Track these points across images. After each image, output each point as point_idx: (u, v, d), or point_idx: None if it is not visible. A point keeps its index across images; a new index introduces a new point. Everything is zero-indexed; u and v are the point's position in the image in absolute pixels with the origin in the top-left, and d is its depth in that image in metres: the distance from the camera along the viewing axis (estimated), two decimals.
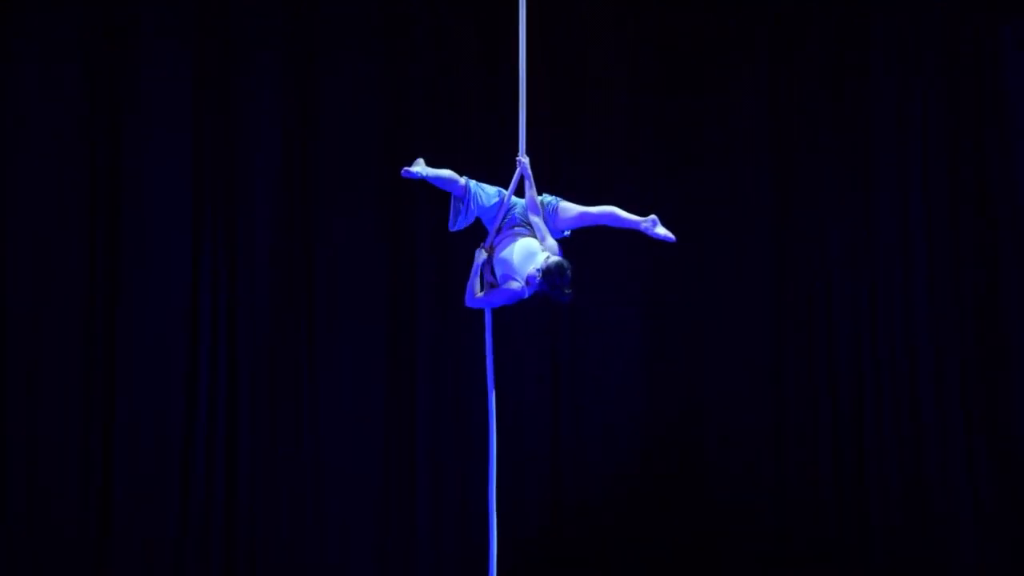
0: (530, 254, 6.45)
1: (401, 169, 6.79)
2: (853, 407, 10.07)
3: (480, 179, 6.91)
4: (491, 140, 9.84)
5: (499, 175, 9.87)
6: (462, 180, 6.77)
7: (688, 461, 10.32)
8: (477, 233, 6.89)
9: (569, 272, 6.32)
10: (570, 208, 6.72)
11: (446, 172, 6.79)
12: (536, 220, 6.59)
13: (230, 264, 9.60)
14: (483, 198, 6.72)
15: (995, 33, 9.90)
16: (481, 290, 6.57)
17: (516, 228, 6.62)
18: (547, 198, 6.77)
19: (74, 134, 9.33)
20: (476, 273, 6.57)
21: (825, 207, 10.28)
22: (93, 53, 9.33)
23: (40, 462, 9.16)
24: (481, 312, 6.63)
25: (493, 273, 6.57)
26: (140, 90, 9.42)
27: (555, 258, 6.39)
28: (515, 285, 6.44)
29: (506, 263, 6.49)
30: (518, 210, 6.67)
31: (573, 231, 6.81)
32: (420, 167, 6.76)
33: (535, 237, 6.57)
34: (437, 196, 9.68)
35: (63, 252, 9.30)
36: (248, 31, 9.68)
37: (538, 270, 6.33)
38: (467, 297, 6.60)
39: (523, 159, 6.65)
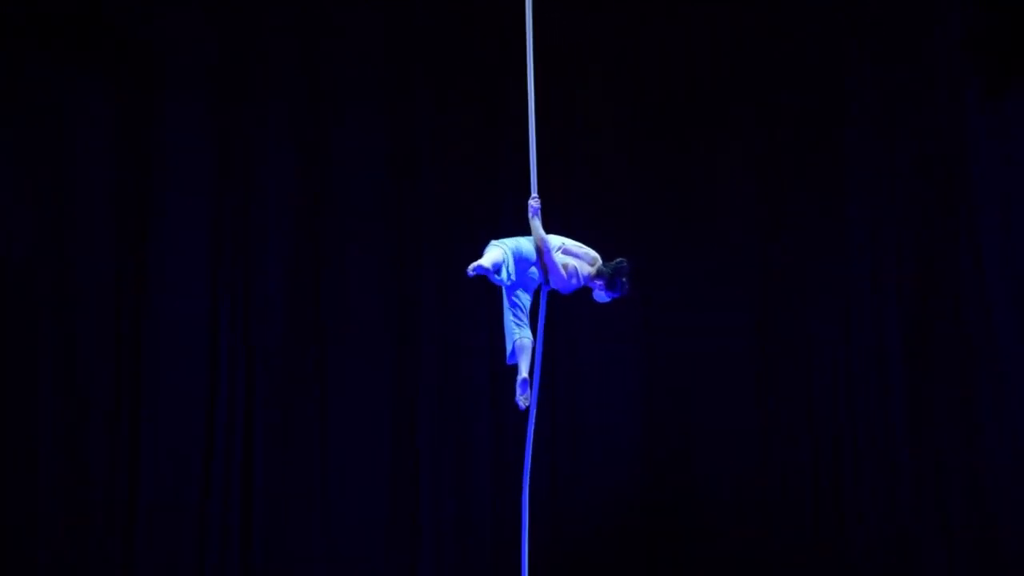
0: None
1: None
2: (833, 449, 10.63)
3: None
4: (493, 184, 10.50)
5: (500, 211, 10.42)
6: (501, 253, 6.97)
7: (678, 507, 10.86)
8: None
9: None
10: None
11: (495, 252, 6.95)
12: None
13: (245, 316, 10.09)
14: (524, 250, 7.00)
15: (964, 111, 10.46)
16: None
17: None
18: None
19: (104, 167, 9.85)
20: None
21: (807, 266, 10.85)
22: (122, 107, 9.88)
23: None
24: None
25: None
26: (165, 150, 9.95)
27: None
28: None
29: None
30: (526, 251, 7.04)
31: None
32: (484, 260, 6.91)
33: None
34: (441, 247, 10.38)
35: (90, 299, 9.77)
36: (262, 93, 10.25)
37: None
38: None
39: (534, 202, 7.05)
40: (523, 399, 6.83)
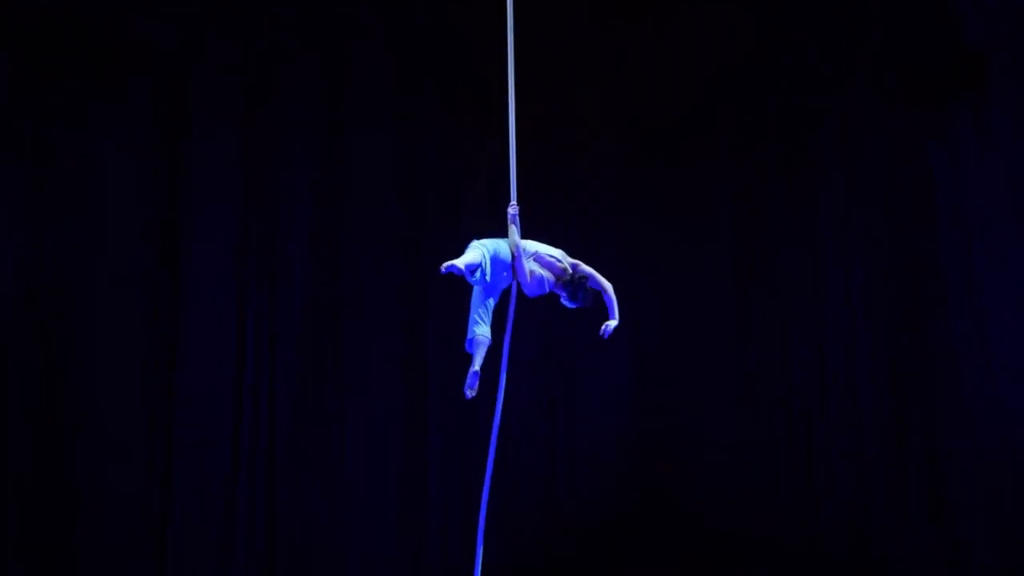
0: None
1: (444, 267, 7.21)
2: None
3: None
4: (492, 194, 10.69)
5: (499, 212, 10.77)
6: (479, 255, 7.39)
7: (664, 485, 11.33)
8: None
9: None
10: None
11: (473, 255, 7.36)
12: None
13: (271, 321, 10.57)
14: (501, 254, 7.41)
15: (923, 128, 10.83)
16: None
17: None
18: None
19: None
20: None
21: (782, 267, 11.30)
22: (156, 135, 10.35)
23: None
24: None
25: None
26: (195, 165, 10.42)
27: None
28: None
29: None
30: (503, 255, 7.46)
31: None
32: (459, 260, 7.32)
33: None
34: (445, 247, 10.59)
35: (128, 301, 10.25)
36: (280, 101, 10.69)
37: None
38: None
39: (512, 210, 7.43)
40: (470, 390, 7.27)
